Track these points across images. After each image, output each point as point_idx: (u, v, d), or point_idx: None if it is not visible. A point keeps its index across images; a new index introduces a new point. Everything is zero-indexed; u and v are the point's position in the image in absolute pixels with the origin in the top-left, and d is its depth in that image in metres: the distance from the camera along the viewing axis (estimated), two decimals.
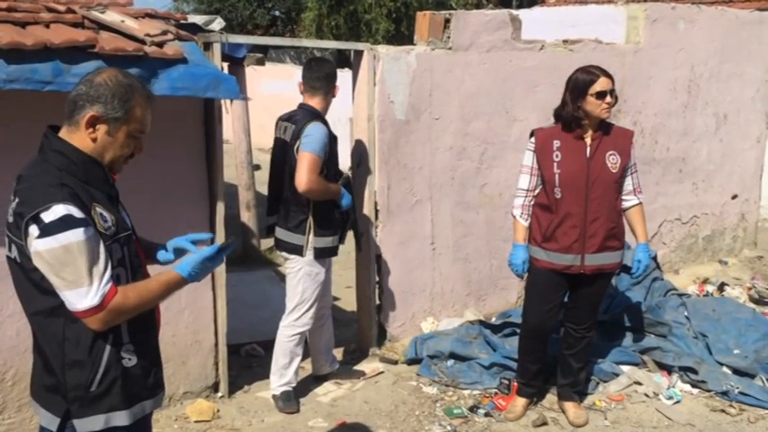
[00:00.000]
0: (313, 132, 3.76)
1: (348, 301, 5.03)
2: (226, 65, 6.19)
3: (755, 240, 7.25)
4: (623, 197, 3.75)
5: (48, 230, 1.82)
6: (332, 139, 3.89)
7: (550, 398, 4.14)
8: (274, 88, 12.86)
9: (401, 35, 14.56)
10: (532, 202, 3.76)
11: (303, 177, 3.69)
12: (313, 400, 4.16)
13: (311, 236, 3.88)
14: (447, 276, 5.08)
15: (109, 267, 1.92)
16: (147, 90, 2.06)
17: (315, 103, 3.93)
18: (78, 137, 1.96)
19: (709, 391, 4.23)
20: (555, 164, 3.62)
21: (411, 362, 4.61)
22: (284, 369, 4.02)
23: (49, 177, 1.90)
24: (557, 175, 3.61)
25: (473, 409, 4.03)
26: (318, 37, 14.68)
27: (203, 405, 3.95)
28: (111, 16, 3.45)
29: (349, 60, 5.01)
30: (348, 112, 4.79)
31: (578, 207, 3.60)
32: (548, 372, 4.12)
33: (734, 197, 6.90)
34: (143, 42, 3.29)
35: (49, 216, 1.83)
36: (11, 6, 3.24)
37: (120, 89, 1.96)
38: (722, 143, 6.66)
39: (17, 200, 1.90)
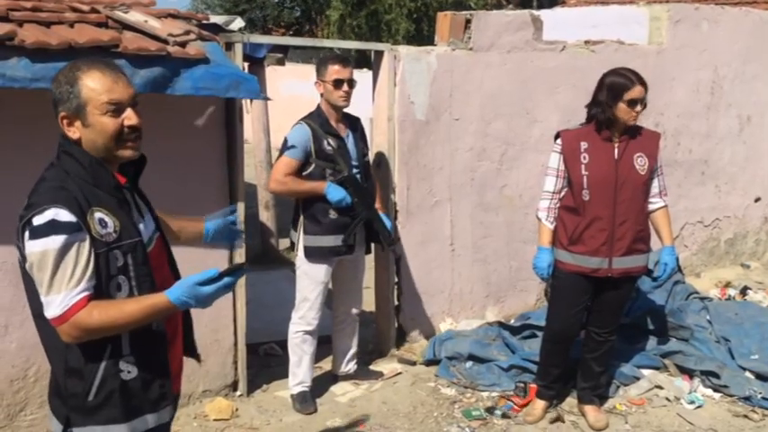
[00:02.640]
0: (289, 135, 3.82)
1: (367, 302, 5.02)
2: (246, 65, 6.21)
3: None
4: (649, 200, 3.71)
5: (34, 233, 1.82)
6: (325, 138, 3.82)
7: (570, 401, 4.11)
8: (293, 88, 12.90)
9: (421, 35, 14.55)
10: (558, 205, 3.72)
11: (270, 178, 3.90)
12: (331, 400, 4.16)
13: (301, 234, 3.89)
14: (466, 277, 5.06)
15: (85, 278, 1.84)
16: (95, 62, 1.94)
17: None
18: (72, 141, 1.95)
19: (731, 395, 4.17)
20: (583, 166, 3.57)
21: (429, 363, 4.59)
22: (296, 368, 4.03)
23: (53, 180, 1.89)
24: (585, 177, 3.56)
25: (490, 410, 4.02)
26: (340, 37, 14.70)
27: (222, 404, 3.96)
28: (135, 16, 3.47)
29: (370, 61, 4.99)
30: (368, 113, 4.79)
31: (606, 209, 3.56)
32: (568, 374, 4.08)
33: (757, 200, 6.81)
34: (166, 42, 3.31)
35: (39, 219, 1.82)
36: (36, 6, 3.27)
37: (64, 77, 1.91)
38: (746, 145, 6.58)
39: (26, 203, 1.89)
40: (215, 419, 3.87)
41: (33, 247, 1.82)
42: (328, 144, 3.82)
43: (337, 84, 3.83)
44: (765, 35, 6.46)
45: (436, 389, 4.33)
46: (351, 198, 3.82)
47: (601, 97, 3.55)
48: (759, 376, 4.27)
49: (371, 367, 4.56)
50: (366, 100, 4.74)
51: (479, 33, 4.79)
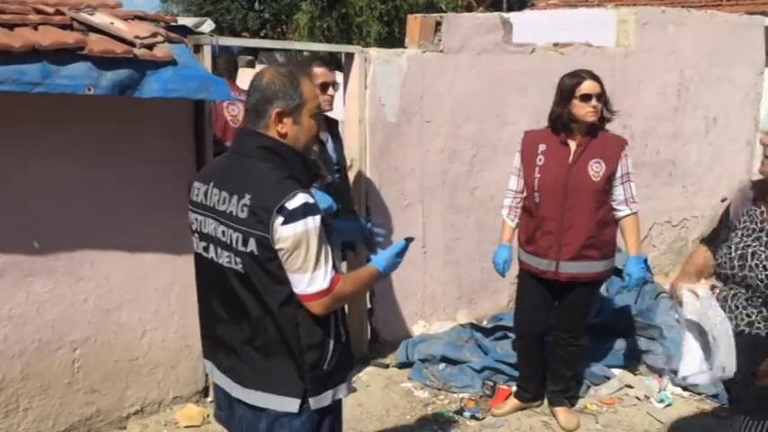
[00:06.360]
0: None
1: None
2: None
3: None
4: (615, 207, 3.68)
5: (291, 217, 1.99)
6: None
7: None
8: None
9: (393, 38, 14.55)
10: (520, 204, 3.77)
11: None
12: None
13: None
14: (438, 279, 5.07)
15: (331, 254, 2.08)
16: (304, 67, 2.18)
17: None
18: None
19: (699, 394, 4.23)
20: (537, 168, 3.62)
21: (402, 365, 4.59)
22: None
23: (274, 172, 2.06)
24: (536, 180, 3.62)
25: (458, 412, 4.03)
26: (310, 39, 14.66)
27: (193, 410, 3.92)
28: (101, 18, 3.41)
29: (340, 63, 4.98)
30: (339, 115, 4.77)
31: (554, 213, 3.59)
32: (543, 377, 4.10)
33: (723, 200, 6.91)
34: (132, 44, 3.26)
35: (292, 204, 1.99)
36: None
37: (287, 78, 2.11)
38: (712, 146, 6.69)
39: (249, 196, 2.03)
40: (186, 426, 3.82)
41: (294, 228, 1.99)
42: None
43: (324, 87, 3.65)
44: (730, 38, 6.57)
45: (409, 391, 4.32)
46: (336, 204, 3.72)
47: (556, 99, 3.60)
48: None
49: None
50: (337, 102, 4.71)
51: (450, 36, 4.80)
